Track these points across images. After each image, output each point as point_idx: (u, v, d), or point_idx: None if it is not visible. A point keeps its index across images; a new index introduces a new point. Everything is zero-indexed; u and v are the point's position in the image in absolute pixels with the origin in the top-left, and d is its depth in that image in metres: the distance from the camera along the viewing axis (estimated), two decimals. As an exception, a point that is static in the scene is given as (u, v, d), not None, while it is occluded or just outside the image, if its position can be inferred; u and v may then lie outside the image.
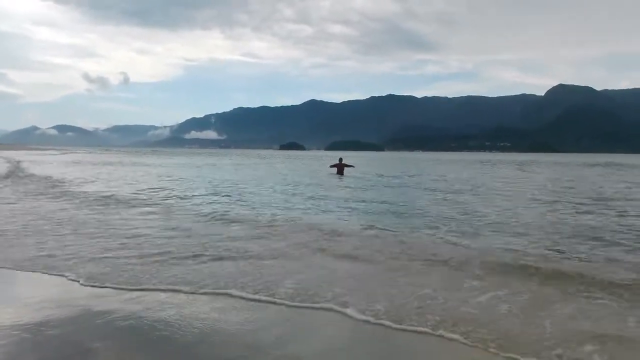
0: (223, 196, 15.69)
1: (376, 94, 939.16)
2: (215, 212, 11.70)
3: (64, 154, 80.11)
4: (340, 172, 27.66)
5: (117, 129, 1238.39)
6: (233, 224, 10.02)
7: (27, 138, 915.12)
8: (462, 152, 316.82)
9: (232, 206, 13.01)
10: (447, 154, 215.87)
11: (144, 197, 15.10)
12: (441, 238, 8.47)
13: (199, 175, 27.90)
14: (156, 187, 18.92)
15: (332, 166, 28.98)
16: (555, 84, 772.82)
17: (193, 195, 15.54)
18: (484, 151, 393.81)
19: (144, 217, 10.82)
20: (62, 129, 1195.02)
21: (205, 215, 11.14)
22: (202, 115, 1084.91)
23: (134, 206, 12.90)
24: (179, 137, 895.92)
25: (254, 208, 12.67)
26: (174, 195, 15.62)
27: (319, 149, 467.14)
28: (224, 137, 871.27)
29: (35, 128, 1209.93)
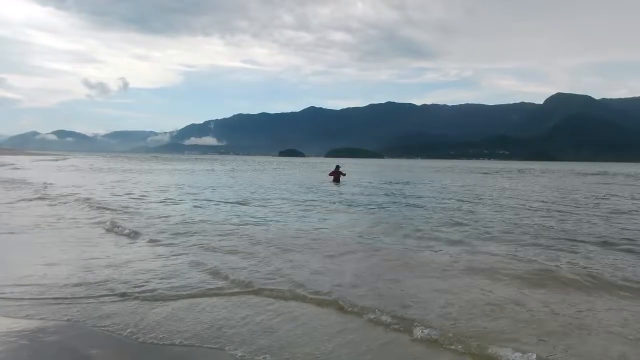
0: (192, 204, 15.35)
1: (375, 102, 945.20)
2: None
3: (57, 159, 79.06)
4: (336, 179, 27.87)
5: (116, 135, 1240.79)
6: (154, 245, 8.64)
7: (26, 143, 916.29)
8: (462, 160, 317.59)
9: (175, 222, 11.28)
10: (446, 161, 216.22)
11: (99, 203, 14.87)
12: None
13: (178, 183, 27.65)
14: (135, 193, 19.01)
15: (330, 174, 29.08)
16: (553, 92, 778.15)
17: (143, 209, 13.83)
18: (483, 159, 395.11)
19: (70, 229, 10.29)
20: (61, 134, 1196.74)
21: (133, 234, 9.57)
22: (201, 122, 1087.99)
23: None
24: (178, 143, 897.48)
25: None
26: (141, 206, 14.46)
27: (318, 155, 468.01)
28: (223, 143, 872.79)
29: (34, 133, 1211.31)
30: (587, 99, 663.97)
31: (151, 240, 8.87)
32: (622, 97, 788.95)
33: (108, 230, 10.03)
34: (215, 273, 6.47)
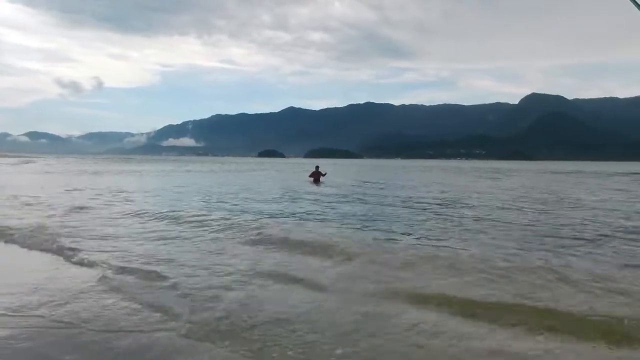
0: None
1: (354, 102, 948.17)
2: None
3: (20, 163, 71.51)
4: (317, 180, 27.89)
5: (92, 136, 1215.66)
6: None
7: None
8: (439, 160, 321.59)
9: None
10: (423, 161, 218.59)
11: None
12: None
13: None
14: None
15: (310, 175, 28.92)
16: (528, 92, 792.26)
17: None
18: (460, 158, 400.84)
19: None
20: (34, 135, 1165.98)
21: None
22: (179, 122, 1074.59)
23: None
24: (155, 144, 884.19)
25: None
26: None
27: (297, 156, 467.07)
28: (201, 144, 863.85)
29: (6, 135, 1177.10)
30: (560, 99, 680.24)
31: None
32: (594, 97, 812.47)
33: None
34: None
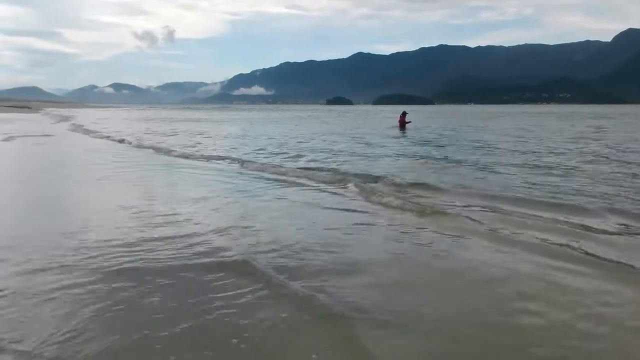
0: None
1: (426, 45, 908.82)
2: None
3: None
4: (402, 126, 28.41)
5: (168, 86, 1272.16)
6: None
7: (86, 96, 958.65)
8: (517, 105, 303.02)
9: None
10: (500, 106, 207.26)
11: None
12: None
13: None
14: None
15: (399, 121, 29.59)
16: (624, 28, 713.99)
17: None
18: (542, 103, 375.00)
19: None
20: (117, 87, 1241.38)
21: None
22: (248, 71, 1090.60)
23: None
24: (227, 94, 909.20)
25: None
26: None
27: (366, 103, 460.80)
28: (271, 92, 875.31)
29: (93, 87, 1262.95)
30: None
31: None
32: None
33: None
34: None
